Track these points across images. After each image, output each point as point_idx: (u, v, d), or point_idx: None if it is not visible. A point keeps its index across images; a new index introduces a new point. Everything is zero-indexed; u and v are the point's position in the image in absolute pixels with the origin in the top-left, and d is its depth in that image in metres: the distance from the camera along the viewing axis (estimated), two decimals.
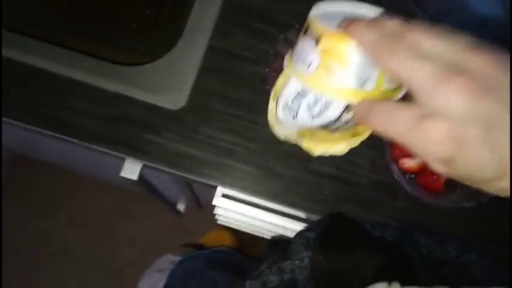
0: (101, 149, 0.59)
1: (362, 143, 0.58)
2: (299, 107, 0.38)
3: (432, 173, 0.56)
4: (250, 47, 0.63)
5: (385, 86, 0.34)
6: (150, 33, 0.70)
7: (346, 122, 0.37)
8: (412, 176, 0.58)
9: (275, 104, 0.41)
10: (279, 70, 0.57)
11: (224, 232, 1.37)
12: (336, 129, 0.38)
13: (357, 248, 0.51)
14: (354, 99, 0.33)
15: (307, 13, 0.58)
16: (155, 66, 0.62)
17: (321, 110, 0.36)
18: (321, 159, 0.60)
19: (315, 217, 0.60)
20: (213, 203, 0.66)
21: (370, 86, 0.33)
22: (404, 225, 0.57)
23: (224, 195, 0.66)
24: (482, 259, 0.52)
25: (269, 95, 0.42)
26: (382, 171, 0.59)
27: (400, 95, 0.34)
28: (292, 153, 0.60)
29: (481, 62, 0.27)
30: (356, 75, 0.33)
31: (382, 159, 0.59)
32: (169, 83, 0.61)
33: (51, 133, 0.59)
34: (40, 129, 0.59)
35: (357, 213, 0.59)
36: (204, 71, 0.62)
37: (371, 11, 0.37)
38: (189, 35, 0.63)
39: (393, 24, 0.30)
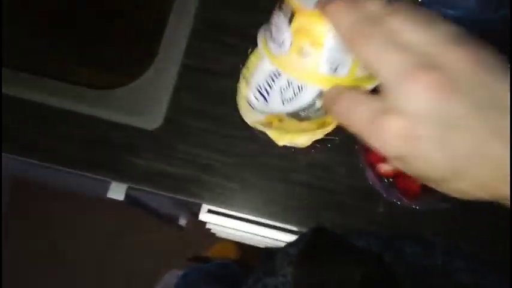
0: (82, 173, 0.60)
1: (340, 149, 0.59)
2: (271, 89, 0.36)
3: (409, 176, 0.56)
4: (223, 61, 0.63)
5: (359, 73, 0.32)
6: (124, 55, 0.71)
7: (318, 110, 0.35)
8: (391, 180, 0.58)
9: (245, 85, 0.39)
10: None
11: (229, 244, 1.37)
12: (306, 118, 0.36)
13: (341, 261, 0.51)
14: (325, 85, 0.32)
15: None
16: (130, 88, 0.63)
17: (293, 95, 0.35)
18: (300, 168, 0.60)
19: (302, 228, 0.61)
20: (199, 218, 0.67)
21: (343, 73, 0.32)
22: (390, 233, 0.57)
23: (209, 211, 0.66)
24: (470, 264, 0.52)
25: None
26: (362, 177, 0.59)
27: (374, 83, 0.33)
28: (270, 164, 0.60)
29: (458, 58, 0.26)
30: (329, 59, 0.31)
31: (361, 165, 0.59)
32: (145, 103, 0.62)
33: (30, 160, 0.60)
34: (19, 157, 0.60)
35: (339, 221, 0.59)
36: (179, 88, 0.63)
37: None
38: (163, 54, 0.64)
39: (375, 4, 0.28)
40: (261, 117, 0.39)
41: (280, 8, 0.33)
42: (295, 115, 0.36)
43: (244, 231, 0.68)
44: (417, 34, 0.26)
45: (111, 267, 1.49)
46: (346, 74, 0.32)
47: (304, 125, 0.38)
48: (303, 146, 0.40)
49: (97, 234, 1.50)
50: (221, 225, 0.67)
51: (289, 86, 0.34)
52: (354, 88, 0.31)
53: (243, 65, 0.58)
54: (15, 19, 0.73)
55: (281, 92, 0.35)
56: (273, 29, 0.33)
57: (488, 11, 0.56)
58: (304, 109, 0.35)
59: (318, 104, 0.34)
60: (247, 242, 0.80)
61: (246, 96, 0.39)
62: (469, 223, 0.59)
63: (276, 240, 0.68)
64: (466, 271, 0.51)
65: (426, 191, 0.55)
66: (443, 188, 0.29)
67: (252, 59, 0.39)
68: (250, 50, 0.58)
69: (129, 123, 0.61)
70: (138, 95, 0.62)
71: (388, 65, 0.26)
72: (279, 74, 0.35)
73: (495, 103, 0.25)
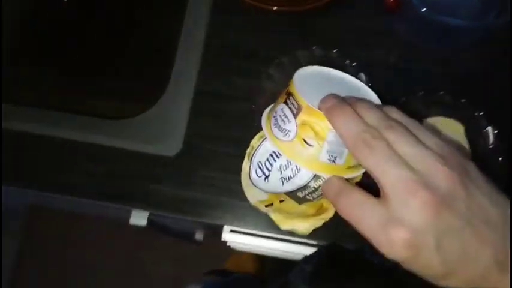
0: (105, 204, 0.62)
1: None
2: (271, 167, 0.41)
3: None
4: (235, 85, 0.64)
5: (354, 161, 0.37)
6: (137, 84, 0.72)
7: (313, 191, 0.39)
8: None
9: (249, 164, 0.44)
10: (267, 93, 0.59)
11: (246, 255, 1.38)
12: (304, 199, 0.41)
13: (354, 278, 0.52)
14: (324, 173, 0.36)
15: (284, 45, 0.61)
16: (146, 116, 0.64)
17: (291, 174, 0.39)
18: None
19: (324, 242, 0.61)
20: (222, 239, 0.68)
21: (339, 162, 0.36)
22: None
23: (232, 231, 0.67)
24: None
25: (257, 130, 0.42)
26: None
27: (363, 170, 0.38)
28: None
29: (444, 176, 0.30)
30: (329, 151, 0.35)
31: None
32: (163, 130, 0.63)
33: (54, 195, 0.61)
34: (41, 193, 0.62)
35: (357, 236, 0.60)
36: (195, 114, 0.64)
37: (354, 81, 0.40)
38: (175, 81, 0.65)
39: (376, 117, 0.34)
40: (263, 197, 0.43)
41: (286, 101, 0.37)
42: (294, 196, 0.40)
43: (266, 248, 0.68)
44: (411, 148, 0.32)
45: (130, 282, 1.50)
46: (342, 163, 0.36)
47: (303, 207, 0.42)
48: (304, 234, 0.46)
49: (116, 250, 1.51)
50: (244, 243, 0.68)
51: (288, 165, 0.39)
52: (355, 186, 0.35)
53: (258, 86, 0.59)
54: (23, 52, 0.75)
55: (280, 171, 0.40)
56: (278, 118, 0.37)
57: (489, 18, 0.57)
58: (301, 189, 0.39)
59: (314, 185, 0.38)
60: (269, 254, 0.80)
61: (249, 173, 0.44)
62: None
63: (298, 254, 0.69)
64: None
65: None
66: (437, 283, 0.32)
67: (256, 139, 0.44)
68: (264, 73, 0.59)
69: (148, 151, 0.62)
70: (155, 123, 0.64)
71: (389, 176, 0.31)
72: (280, 154, 0.40)
73: (482, 217, 0.30)
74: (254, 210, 0.60)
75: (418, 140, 0.32)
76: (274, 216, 0.44)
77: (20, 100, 0.65)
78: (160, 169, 0.62)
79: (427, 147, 0.32)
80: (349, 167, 0.37)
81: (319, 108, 0.35)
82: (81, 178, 0.62)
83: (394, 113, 0.35)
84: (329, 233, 0.60)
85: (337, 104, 0.34)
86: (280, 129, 0.37)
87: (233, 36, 0.66)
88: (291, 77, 0.60)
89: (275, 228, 0.60)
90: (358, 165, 0.37)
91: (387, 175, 0.31)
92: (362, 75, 0.57)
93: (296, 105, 0.36)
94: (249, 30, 0.67)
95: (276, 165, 0.40)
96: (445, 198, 0.30)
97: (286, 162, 0.39)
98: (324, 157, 0.35)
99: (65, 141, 0.63)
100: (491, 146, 0.55)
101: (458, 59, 0.64)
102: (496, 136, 0.55)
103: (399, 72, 0.64)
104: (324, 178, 0.38)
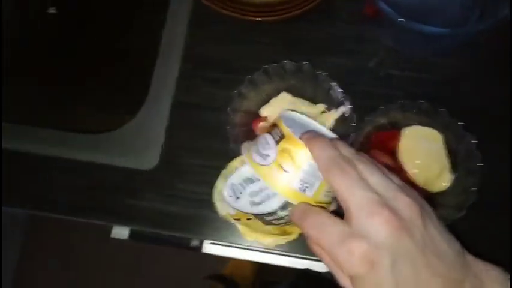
0: (83, 220, 0.61)
1: None
2: (243, 190, 0.43)
3: None
4: (213, 96, 0.64)
5: (321, 198, 0.39)
6: (116, 98, 0.72)
7: (279, 219, 0.41)
8: None
9: (223, 182, 0.46)
10: (241, 111, 0.59)
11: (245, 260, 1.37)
12: (269, 223, 0.43)
13: None
14: (293, 199, 0.38)
15: (264, 55, 0.60)
16: (125, 130, 0.64)
17: (261, 200, 0.41)
18: None
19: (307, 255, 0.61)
20: (203, 251, 0.67)
21: (309, 194, 0.38)
22: None
23: (213, 243, 0.67)
24: None
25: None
26: None
27: (330, 209, 0.40)
28: None
29: (406, 204, 0.33)
30: (302, 179, 0.37)
31: None
32: (140, 144, 0.63)
33: (30, 212, 0.61)
34: (21, 210, 0.61)
35: None
36: (173, 127, 0.63)
37: (329, 134, 0.43)
38: (153, 95, 0.64)
39: (348, 151, 0.37)
40: (231, 211, 0.45)
41: (270, 131, 0.40)
42: (261, 218, 0.42)
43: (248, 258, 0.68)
44: (377, 177, 0.35)
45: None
46: (311, 195, 0.38)
47: (268, 228, 0.44)
48: (268, 247, 0.47)
49: (115, 262, 1.51)
50: (227, 256, 0.67)
51: (259, 192, 0.41)
52: (320, 208, 0.37)
53: (237, 91, 0.58)
54: None
55: (251, 196, 0.42)
56: (260, 145, 0.40)
57: (469, 24, 0.55)
58: (268, 215, 0.41)
59: (280, 213, 0.40)
60: None
61: (221, 190, 0.46)
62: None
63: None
64: None
65: None
66: None
67: (234, 163, 0.46)
68: (248, 77, 0.59)
69: (126, 166, 0.62)
70: (133, 136, 0.63)
71: (355, 197, 0.33)
72: (253, 181, 0.42)
73: (434, 249, 0.33)
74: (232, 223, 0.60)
75: (384, 173, 0.36)
76: (241, 228, 0.47)
77: None
78: (138, 183, 0.62)
79: (391, 180, 0.36)
80: (317, 202, 0.38)
81: (300, 138, 0.38)
82: (59, 194, 0.62)
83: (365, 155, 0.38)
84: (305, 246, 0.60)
85: (317, 136, 0.38)
86: (260, 154, 0.39)
87: (212, 47, 0.66)
88: (262, 91, 0.60)
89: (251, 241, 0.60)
90: (325, 203, 0.39)
91: (354, 195, 0.33)
92: (335, 87, 0.56)
93: (280, 134, 0.39)
94: (228, 41, 0.66)
95: (247, 190, 0.42)
96: (405, 223, 0.32)
97: (258, 188, 0.41)
98: (296, 184, 0.37)
99: (38, 157, 0.63)
100: (470, 155, 0.54)
101: (439, 65, 0.63)
102: (474, 145, 0.54)
103: (379, 79, 0.63)
104: (289, 210, 0.40)
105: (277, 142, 0.39)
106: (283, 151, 0.38)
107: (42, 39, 0.76)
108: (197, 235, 0.61)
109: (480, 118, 0.58)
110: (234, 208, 0.45)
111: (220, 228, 0.61)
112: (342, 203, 0.34)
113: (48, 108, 0.71)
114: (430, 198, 0.56)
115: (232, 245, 0.64)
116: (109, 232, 0.69)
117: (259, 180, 0.40)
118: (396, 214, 0.32)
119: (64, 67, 0.74)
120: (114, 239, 0.67)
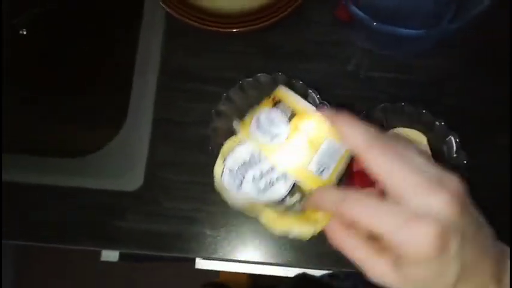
0: (71, 247, 0.60)
1: None
2: (243, 177, 0.37)
3: None
4: (192, 110, 0.63)
5: (335, 179, 0.35)
6: (93, 118, 0.70)
7: (290, 207, 0.36)
8: None
9: (222, 167, 0.40)
10: (222, 129, 0.58)
11: None
12: (286, 211, 0.37)
13: None
14: (308, 182, 0.34)
15: (242, 65, 0.60)
16: (106, 151, 0.62)
17: (266, 186, 0.36)
18: None
19: (299, 265, 0.60)
20: (196, 267, 0.66)
21: (325, 176, 0.34)
22: None
23: (204, 258, 0.66)
24: None
25: (213, 155, 0.40)
26: None
27: None
28: None
29: (457, 182, 0.30)
30: (319, 161, 0.34)
31: None
32: (123, 164, 0.62)
33: (17, 243, 0.60)
34: (5, 241, 0.60)
35: (331, 254, 0.59)
36: (154, 144, 0.62)
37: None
38: (133, 113, 0.63)
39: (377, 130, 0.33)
40: (241, 201, 0.39)
41: (276, 105, 0.36)
42: (274, 208, 0.37)
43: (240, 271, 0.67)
44: (419, 158, 0.31)
45: None
46: (327, 177, 0.35)
47: (290, 218, 0.38)
48: (302, 238, 0.39)
49: (107, 284, 1.50)
50: (218, 269, 0.67)
51: (262, 177, 0.36)
52: (358, 190, 0.33)
53: (214, 110, 0.57)
54: None
55: (254, 181, 0.36)
56: (263, 122, 0.35)
57: (443, 25, 0.55)
58: (277, 203, 0.36)
59: (290, 201, 0.36)
60: None
61: (221, 178, 0.39)
62: None
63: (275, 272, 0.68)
64: None
65: None
66: None
67: (228, 144, 0.39)
68: (224, 95, 0.58)
69: (109, 188, 0.61)
70: (115, 157, 0.62)
71: (408, 176, 0.29)
72: (252, 165, 0.36)
73: (486, 229, 0.32)
74: (222, 237, 0.59)
75: (427, 156, 0.32)
76: (264, 219, 0.39)
77: None
78: (124, 205, 0.61)
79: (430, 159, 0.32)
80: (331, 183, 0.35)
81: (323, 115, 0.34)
82: (42, 222, 0.61)
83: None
84: (298, 254, 0.59)
85: (338, 112, 0.33)
86: (266, 132, 0.35)
87: (189, 60, 0.65)
88: (240, 107, 0.58)
89: (243, 252, 0.59)
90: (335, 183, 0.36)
91: (405, 174, 0.30)
92: (312, 94, 0.56)
93: (290, 110, 0.35)
94: (205, 53, 0.65)
95: (249, 175, 0.36)
96: (464, 200, 0.30)
97: (259, 173, 0.36)
98: (313, 166, 0.34)
99: (21, 186, 0.61)
100: (455, 155, 0.54)
101: (419, 66, 0.63)
102: (458, 144, 0.53)
103: (359, 82, 0.63)
104: (298, 195, 0.36)
105: (289, 118, 0.34)
106: (298, 129, 0.34)
107: (14, 60, 0.74)
108: (188, 253, 0.60)
109: (462, 117, 0.58)
110: (240, 197, 0.39)
111: (211, 243, 0.60)
112: (386, 183, 0.31)
113: (23, 132, 0.69)
114: None
115: (224, 258, 0.63)
116: (99, 255, 0.68)
117: (260, 161, 0.35)
118: (456, 190, 0.30)
119: (35, 90, 0.73)
120: (104, 261, 0.66)
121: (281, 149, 0.34)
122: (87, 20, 0.76)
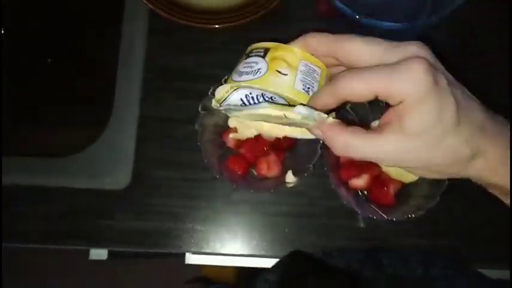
0: (59, 247, 0.60)
1: (311, 173, 0.59)
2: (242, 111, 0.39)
3: (381, 188, 0.57)
4: (178, 107, 0.63)
5: None
6: (78, 117, 0.70)
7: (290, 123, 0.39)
8: (365, 193, 0.59)
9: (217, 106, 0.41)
10: (209, 125, 0.58)
11: None
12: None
13: (319, 285, 0.52)
14: (300, 100, 0.37)
15: (226, 62, 0.60)
16: (92, 150, 0.62)
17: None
18: (274, 199, 0.61)
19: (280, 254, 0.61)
20: (186, 262, 0.67)
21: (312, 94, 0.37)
22: (368, 249, 0.58)
23: (194, 253, 0.66)
24: (445, 270, 0.53)
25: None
26: (335, 196, 0.60)
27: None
28: (244, 200, 0.61)
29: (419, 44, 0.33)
30: (302, 80, 0.37)
31: (333, 185, 0.59)
32: (110, 163, 0.61)
33: (6, 245, 0.59)
34: None
35: (321, 243, 0.60)
36: (141, 142, 0.62)
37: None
38: (118, 111, 0.63)
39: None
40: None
41: (248, 56, 0.39)
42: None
43: (231, 265, 0.68)
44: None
45: None
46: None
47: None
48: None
49: (96, 282, 1.49)
50: (209, 264, 0.67)
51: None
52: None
53: (201, 105, 0.57)
54: None
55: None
56: (243, 69, 0.39)
57: (422, 18, 0.56)
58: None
59: (290, 116, 0.37)
60: None
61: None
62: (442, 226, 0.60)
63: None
64: (443, 278, 0.52)
65: (401, 202, 0.56)
66: (464, 170, 0.33)
67: (221, 91, 0.41)
68: (211, 90, 0.58)
69: (97, 187, 0.61)
70: (101, 156, 0.62)
71: (378, 49, 0.33)
72: (246, 106, 0.38)
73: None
74: (212, 231, 0.60)
75: None
76: (265, 127, 0.46)
77: None
78: (112, 203, 0.61)
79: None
80: None
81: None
82: (30, 223, 0.60)
83: None
84: (287, 245, 0.60)
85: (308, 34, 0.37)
86: (248, 72, 0.38)
87: (172, 57, 0.65)
88: None
89: (233, 245, 0.60)
90: None
91: (374, 46, 0.33)
92: None
93: (262, 50, 0.38)
94: (188, 50, 0.65)
95: (245, 112, 0.39)
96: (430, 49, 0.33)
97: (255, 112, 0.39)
98: (299, 86, 0.37)
99: (7, 187, 0.61)
100: None
101: None
102: None
103: None
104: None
105: (264, 56, 0.38)
106: (274, 59, 0.37)
107: None
108: (177, 248, 0.60)
109: None
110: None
111: (200, 238, 0.60)
112: (362, 59, 0.33)
113: (7, 134, 0.68)
114: (403, 190, 0.57)
115: (214, 252, 0.64)
116: (87, 254, 0.67)
117: (254, 104, 0.38)
118: (420, 43, 0.32)
119: (19, 89, 0.72)
120: (93, 260, 0.65)
121: (267, 77, 0.37)
122: (67, 19, 0.75)
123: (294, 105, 0.36)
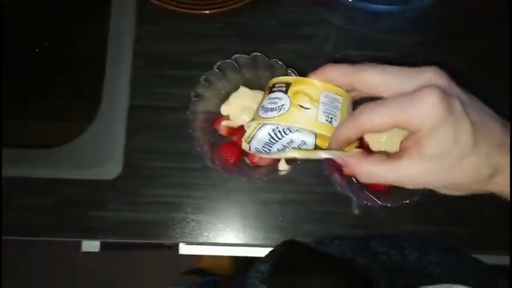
0: (51, 239, 0.59)
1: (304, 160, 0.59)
2: (270, 149, 0.43)
3: None
4: (169, 95, 0.62)
5: None
6: (68, 107, 0.68)
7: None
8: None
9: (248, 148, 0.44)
10: (201, 113, 0.57)
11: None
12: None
13: (312, 273, 0.52)
14: (324, 131, 0.38)
15: (216, 48, 0.59)
16: (82, 140, 0.61)
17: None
18: (269, 187, 0.60)
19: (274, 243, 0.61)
20: (180, 252, 0.66)
21: (335, 124, 0.38)
22: (362, 236, 0.58)
23: (188, 243, 0.66)
24: (442, 257, 0.52)
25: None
26: (329, 183, 0.59)
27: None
28: (238, 189, 0.60)
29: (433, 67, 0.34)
30: (325, 112, 0.38)
31: (326, 172, 0.59)
32: (100, 153, 0.60)
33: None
34: None
35: (315, 230, 0.59)
36: (132, 131, 0.61)
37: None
38: (108, 100, 0.62)
39: None
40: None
41: (271, 91, 0.41)
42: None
43: (226, 255, 0.67)
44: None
45: None
46: (337, 125, 0.38)
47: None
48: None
49: (88, 274, 1.48)
50: (202, 254, 0.67)
51: (284, 149, 0.42)
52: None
53: (193, 92, 0.57)
54: None
55: (279, 151, 0.43)
56: (267, 105, 0.40)
57: (415, 1, 0.56)
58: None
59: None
60: None
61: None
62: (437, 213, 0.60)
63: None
64: (438, 264, 0.52)
65: (394, 188, 0.56)
66: (484, 187, 0.35)
67: (250, 130, 0.43)
68: (203, 77, 0.57)
69: (88, 177, 0.60)
70: (91, 146, 0.61)
71: (393, 77, 0.35)
72: (275, 141, 0.42)
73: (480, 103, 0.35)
74: (206, 221, 0.59)
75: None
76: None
77: None
78: (103, 194, 0.60)
79: None
80: None
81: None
82: (21, 215, 0.59)
83: None
84: (282, 234, 0.60)
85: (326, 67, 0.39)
86: (273, 109, 0.39)
87: (162, 44, 0.64)
88: (219, 89, 0.58)
89: (226, 236, 0.59)
90: None
91: (389, 75, 0.35)
92: (291, 73, 0.55)
93: (284, 85, 0.40)
94: (178, 37, 0.64)
95: (274, 148, 0.42)
96: (448, 75, 0.34)
97: (281, 147, 0.42)
98: (322, 118, 0.38)
99: None
100: None
101: (394, 42, 0.64)
102: None
103: (337, 61, 0.63)
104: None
105: (286, 91, 0.39)
106: (296, 93, 0.39)
107: None
108: (170, 239, 0.59)
109: None
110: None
111: (194, 228, 0.60)
112: (378, 89, 0.35)
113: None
114: None
115: (207, 242, 0.63)
116: (79, 246, 0.67)
117: (282, 137, 0.41)
118: (438, 70, 0.34)
119: (7, 81, 0.70)
120: (85, 252, 0.65)
121: (291, 113, 0.38)
122: (54, 8, 0.74)
123: (318, 141, 0.41)
